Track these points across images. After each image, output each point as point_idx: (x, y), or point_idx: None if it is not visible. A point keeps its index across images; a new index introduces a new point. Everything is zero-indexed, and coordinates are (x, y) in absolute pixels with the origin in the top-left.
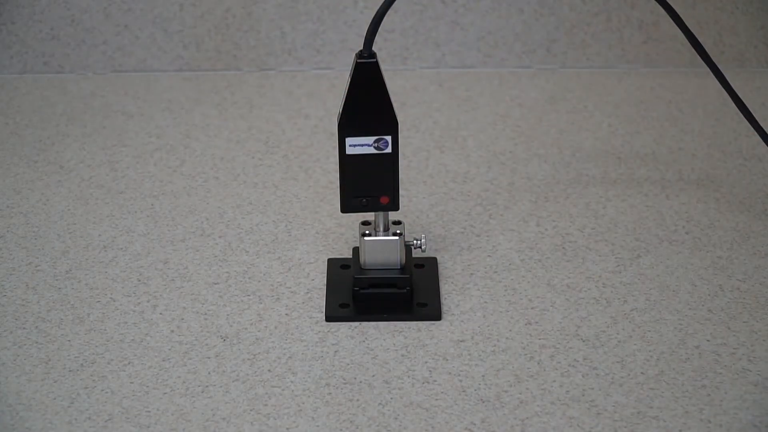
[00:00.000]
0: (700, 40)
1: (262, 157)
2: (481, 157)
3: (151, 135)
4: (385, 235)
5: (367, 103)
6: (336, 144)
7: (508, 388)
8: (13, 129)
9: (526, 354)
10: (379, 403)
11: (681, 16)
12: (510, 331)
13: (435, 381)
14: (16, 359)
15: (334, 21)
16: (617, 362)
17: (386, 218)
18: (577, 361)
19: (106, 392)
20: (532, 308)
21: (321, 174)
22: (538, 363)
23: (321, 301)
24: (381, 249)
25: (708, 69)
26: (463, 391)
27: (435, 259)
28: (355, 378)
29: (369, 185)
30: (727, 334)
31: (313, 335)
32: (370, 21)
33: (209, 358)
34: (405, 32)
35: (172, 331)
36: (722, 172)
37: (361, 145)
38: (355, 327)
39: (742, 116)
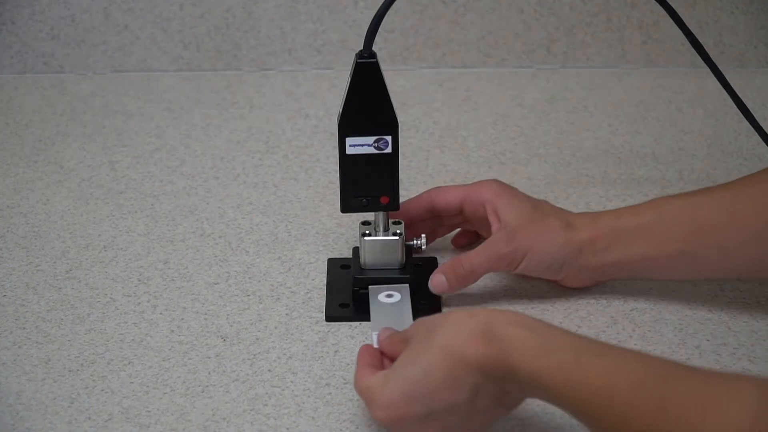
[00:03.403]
0: (700, 40)
1: (262, 157)
2: (481, 157)
3: (151, 135)
4: (385, 235)
5: (367, 103)
6: (336, 144)
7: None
8: (13, 129)
9: None
10: None
11: (681, 16)
12: None
13: None
14: (16, 359)
15: (334, 21)
16: None
17: (386, 218)
18: None
19: (106, 392)
20: (532, 308)
21: (321, 174)
22: None
23: (321, 301)
24: (381, 249)
25: (708, 69)
26: None
27: (435, 259)
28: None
29: (369, 185)
30: (727, 334)
31: (313, 335)
32: (370, 21)
33: (209, 358)
34: (405, 32)
35: (172, 331)
36: (722, 172)
37: (361, 145)
38: (355, 327)
39: (742, 116)
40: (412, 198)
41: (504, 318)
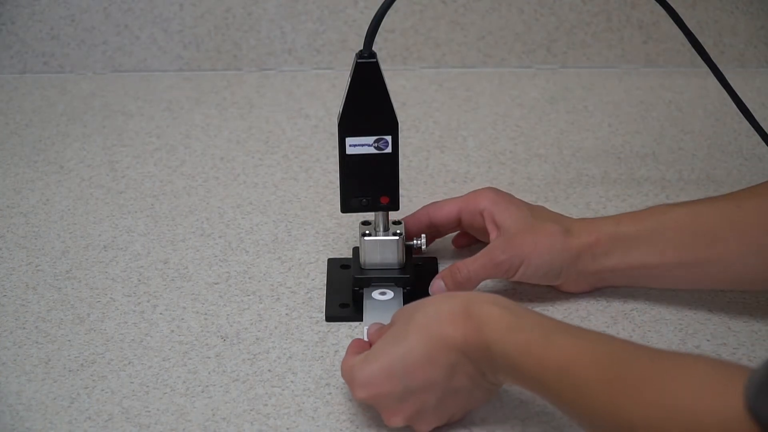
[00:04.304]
0: (700, 40)
1: (262, 157)
2: (481, 157)
3: (151, 135)
4: (385, 235)
5: (367, 103)
6: (336, 144)
7: (508, 387)
8: (13, 129)
9: None
10: None
11: (681, 16)
12: None
13: None
14: (16, 359)
15: (334, 21)
16: None
17: (386, 218)
18: None
19: (106, 392)
20: (532, 308)
21: (321, 174)
22: None
23: (321, 301)
24: (381, 249)
25: (708, 69)
26: None
27: (435, 259)
28: None
29: (369, 185)
30: (727, 334)
31: (313, 335)
32: (370, 21)
33: (209, 358)
34: (405, 32)
35: (172, 331)
36: (722, 172)
37: (361, 145)
38: (355, 327)
39: (742, 116)
40: (410, 216)
41: (482, 298)
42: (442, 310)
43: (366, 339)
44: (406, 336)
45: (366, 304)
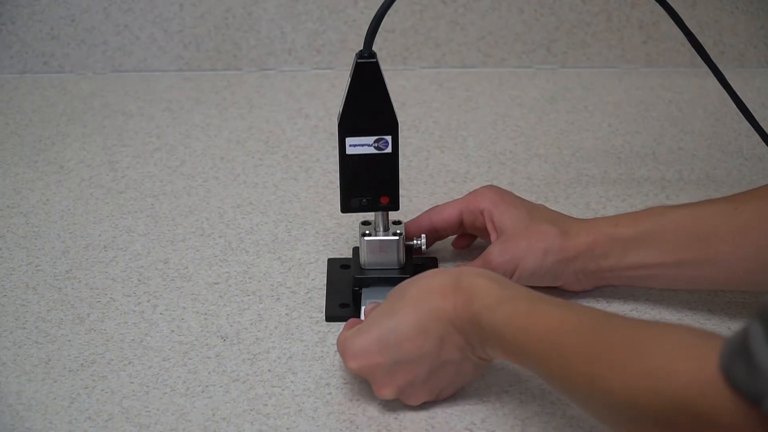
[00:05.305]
0: (700, 40)
1: (262, 157)
2: (481, 157)
3: (151, 135)
4: (385, 235)
5: (367, 103)
6: (336, 144)
7: (508, 388)
8: (13, 129)
9: None
10: (379, 403)
11: (681, 16)
12: None
13: None
14: (16, 359)
15: (334, 21)
16: None
17: (386, 218)
18: None
19: (106, 392)
20: None
21: (321, 174)
22: None
23: (321, 301)
24: (381, 249)
25: (708, 69)
26: (463, 391)
27: (435, 259)
28: (355, 378)
29: (369, 185)
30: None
31: (313, 335)
32: (370, 21)
33: (209, 358)
34: (405, 32)
35: (172, 331)
36: (722, 172)
37: (361, 145)
38: None
39: (742, 116)
40: (412, 221)
41: (472, 271)
42: (433, 284)
43: (363, 319)
44: (399, 309)
45: (364, 290)
